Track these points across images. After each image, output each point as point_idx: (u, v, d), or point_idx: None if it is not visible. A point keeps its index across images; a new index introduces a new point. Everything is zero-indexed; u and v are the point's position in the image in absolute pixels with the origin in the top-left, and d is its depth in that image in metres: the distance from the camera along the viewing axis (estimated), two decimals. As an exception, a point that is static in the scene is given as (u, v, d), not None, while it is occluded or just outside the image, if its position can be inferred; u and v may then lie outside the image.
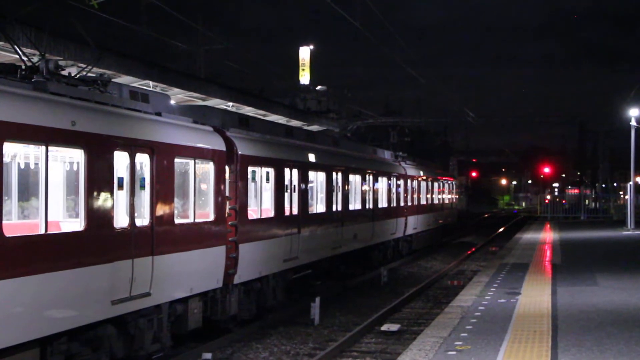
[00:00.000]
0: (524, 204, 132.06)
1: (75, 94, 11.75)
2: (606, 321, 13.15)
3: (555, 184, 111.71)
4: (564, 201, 57.55)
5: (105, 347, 12.16)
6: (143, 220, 12.91)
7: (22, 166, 11.36)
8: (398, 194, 32.94)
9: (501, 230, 55.74)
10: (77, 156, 11.52)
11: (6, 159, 10.50)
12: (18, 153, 11.24)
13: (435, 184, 42.69)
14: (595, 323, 13.00)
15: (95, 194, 11.54)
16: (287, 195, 19.38)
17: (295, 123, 36.52)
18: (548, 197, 63.71)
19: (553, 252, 26.62)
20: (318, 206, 22.51)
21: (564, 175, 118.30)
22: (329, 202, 23.13)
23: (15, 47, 12.42)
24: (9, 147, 10.42)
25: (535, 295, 16.15)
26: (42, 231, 10.53)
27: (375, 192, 28.81)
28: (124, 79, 21.90)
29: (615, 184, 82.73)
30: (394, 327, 18.08)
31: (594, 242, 32.26)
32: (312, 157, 21.72)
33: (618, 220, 46.98)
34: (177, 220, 13.98)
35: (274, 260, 18.57)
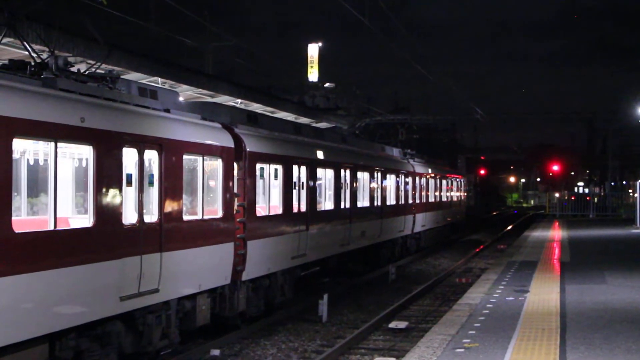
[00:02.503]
0: (532, 201, 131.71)
1: (84, 90, 11.77)
2: (615, 319, 13.11)
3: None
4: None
5: (113, 343, 12.19)
6: (151, 216, 12.93)
7: (32, 162, 11.41)
8: (406, 191, 32.91)
9: (509, 227, 55.67)
10: (86, 152, 11.55)
11: (15, 155, 10.54)
12: (27, 149, 11.29)
13: (444, 182, 42.66)
14: (604, 321, 12.96)
15: (104, 190, 11.57)
16: (295, 192, 19.38)
17: (303, 120, 36.51)
18: (557, 194, 63.42)
19: (561, 250, 26.54)
20: (326, 203, 22.50)
21: (572, 173, 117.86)
22: (337, 199, 23.12)
23: (25, 43, 12.44)
24: (19, 144, 10.45)
25: (544, 293, 16.11)
26: (51, 227, 10.56)
27: (383, 190, 28.80)
28: (132, 76, 21.91)
29: (624, 182, 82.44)
30: (402, 324, 18.09)
31: (602, 240, 32.14)
32: (320, 154, 21.71)
33: (627, 219, 46.81)
34: (186, 217, 13.99)
35: (282, 257, 18.58)
